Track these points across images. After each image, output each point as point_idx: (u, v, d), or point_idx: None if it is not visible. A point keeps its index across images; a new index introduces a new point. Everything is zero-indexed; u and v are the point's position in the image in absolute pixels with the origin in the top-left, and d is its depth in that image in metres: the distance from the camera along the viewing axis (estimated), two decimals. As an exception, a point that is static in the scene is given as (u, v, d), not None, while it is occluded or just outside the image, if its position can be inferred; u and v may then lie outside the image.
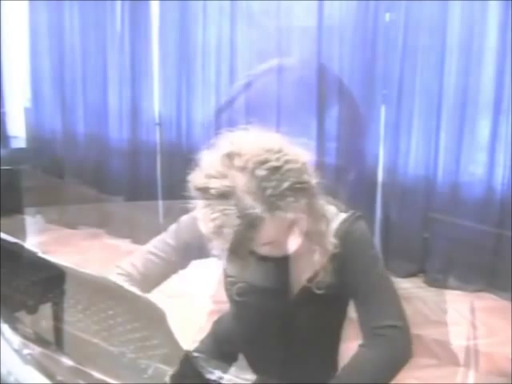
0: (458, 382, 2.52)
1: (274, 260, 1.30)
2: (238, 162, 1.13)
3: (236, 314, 1.44)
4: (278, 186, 1.11)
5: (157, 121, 4.23)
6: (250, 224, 1.11)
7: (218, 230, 1.13)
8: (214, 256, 1.29)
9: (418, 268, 3.64)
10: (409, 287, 3.51)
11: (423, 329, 2.97)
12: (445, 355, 2.74)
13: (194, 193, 1.18)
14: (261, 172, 1.11)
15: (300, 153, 1.18)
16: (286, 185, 1.11)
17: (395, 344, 1.21)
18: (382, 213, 3.69)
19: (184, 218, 1.35)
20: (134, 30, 4.16)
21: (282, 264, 1.29)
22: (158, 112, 4.21)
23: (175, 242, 1.34)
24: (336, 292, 1.26)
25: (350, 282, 1.25)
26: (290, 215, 1.13)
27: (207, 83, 3.99)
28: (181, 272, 1.40)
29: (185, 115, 4.10)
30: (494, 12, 3.20)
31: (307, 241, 1.25)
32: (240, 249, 1.16)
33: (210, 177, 1.14)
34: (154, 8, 4.09)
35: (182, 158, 4.12)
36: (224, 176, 1.13)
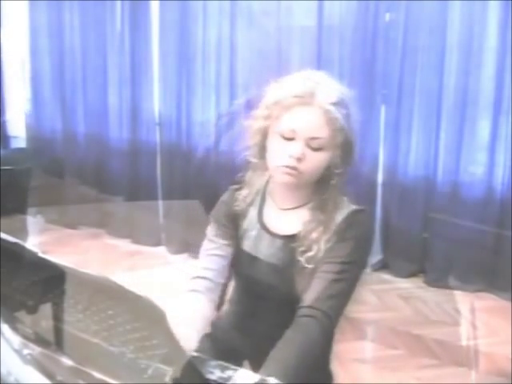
0: (457, 382, 2.52)
1: (285, 238, 1.36)
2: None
3: (237, 289, 1.49)
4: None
5: (157, 121, 4.23)
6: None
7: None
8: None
9: (418, 268, 3.64)
10: (409, 287, 3.51)
11: (423, 329, 2.98)
12: (445, 355, 2.74)
13: (264, 110, 1.32)
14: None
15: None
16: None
17: (308, 326, 1.24)
18: (382, 213, 3.69)
19: (213, 211, 1.47)
20: (134, 30, 4.16)
21: (290, 243, 1.34)
22: (158, 112, 4.21)
23: (215, 233, 1.43)
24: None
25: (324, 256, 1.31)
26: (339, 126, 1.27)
27: (207, 83, 3.99)
28: (181, 272, 1.42)
29: (185, 115, 4.10)
30: (494, 12, 3.21)
31: (319, 219, 1.32)
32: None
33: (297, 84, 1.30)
34: (154, 8, 4.09)
35: (182, 158, 4.13)
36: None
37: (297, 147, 1.27)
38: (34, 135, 4.72)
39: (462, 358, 2.70)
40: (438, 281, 3.51)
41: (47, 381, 0.92)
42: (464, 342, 2.83)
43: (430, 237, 3.58)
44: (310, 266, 1.31)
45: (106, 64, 4.30)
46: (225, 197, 1.47)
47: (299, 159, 1.27)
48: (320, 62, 3.58)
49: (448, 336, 2.87)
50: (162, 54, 4.10)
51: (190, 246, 3.77)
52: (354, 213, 1.34)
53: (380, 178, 3.65)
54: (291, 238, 1.36)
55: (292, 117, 1.27)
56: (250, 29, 3.79)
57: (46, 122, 4.65)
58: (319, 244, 1.31)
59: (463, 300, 3.31)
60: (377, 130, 3.59)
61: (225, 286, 1.42)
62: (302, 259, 1.32)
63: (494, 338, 2.85)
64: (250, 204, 1.43)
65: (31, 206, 4.02)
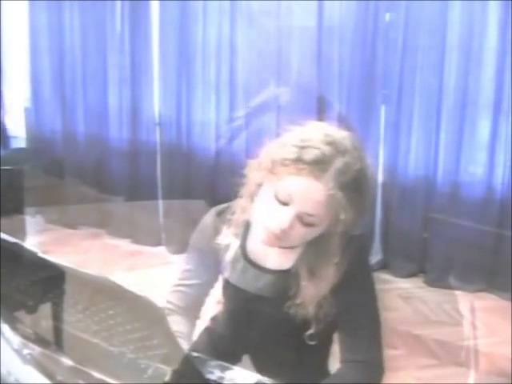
0: (457, 382, 2.52)
1: (277, 272, 1.32)
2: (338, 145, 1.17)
3: (232, 317, 1.45)
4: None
5: (157, 121, 4.23)
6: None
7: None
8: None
9: (418, 268, 3.64)
10: (409, 287, 3.51)
11: (423, 329, 2.98)
12: (445, 355, 2.74)
13: (265, 165, 1.20)
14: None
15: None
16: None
17: (361, 375, 1.24)
18: (382, 213, 3.69)
19: (193, 238, 1.41)
20: (134, 30, 4.15)
21: (283, 278, 1.30)
22: (158, 112, 4.21)
23: (191, 265, 1.40)
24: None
25: (340, 306, 1.26)
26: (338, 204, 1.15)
27: (207, 83, 3.99)
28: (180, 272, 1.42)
29: (185, 115, 4.09)
30: (494, 12, 3.20)
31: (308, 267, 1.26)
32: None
33: (305, 147, 1.16)
34: (154, 8, 4.08)
35: (181, 158, 4.13)
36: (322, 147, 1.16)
37: (287, 217, 1.16)
38: (34, 135, 4.72)
39: (462, 358, 2.70)
40: (438, 281, 3.51)
41: (47, 381, 0.92)
42: (464, 342, 2.83)
43: (429, 237, 3.57)
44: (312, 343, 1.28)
45: (105, 64, 4.30)
46: (205, 224, 1.39)
47: (286, 231, 1.17)
48: (320, 62, 3.58)
49: (448, 336, 2.87)
50: (161, 54, 4.10)
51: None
52: (352, 240, 1.25)
53: (380, 177, 3.64)
54: (283, 273, 1.30)
55: (294, 184, 1.15)
56: (250, 29, 3.78)
57: (46, 122, 4.64)
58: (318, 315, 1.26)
59: (463, 300, 3.30)
60: (377, 130, 3.59)
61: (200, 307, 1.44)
62: (299, 313, 1.26)
63: (494, 338, 2.85)
64: (234, 236, 1.36)
65: (31, 205, 4.02)
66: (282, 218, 1.16)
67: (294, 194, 1.15)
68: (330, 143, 1.16)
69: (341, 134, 1.20)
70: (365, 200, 1.21)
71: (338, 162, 1.14)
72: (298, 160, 1.14)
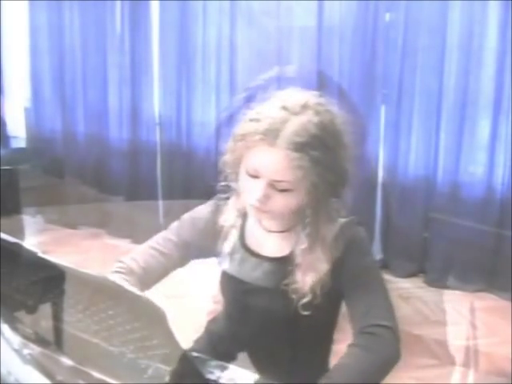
0: (457, 382, 2.52)
1: (274, 260, 1.31)
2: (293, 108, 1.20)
3: (230, 312, 1.45)
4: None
5: (157, 121, 4.23)
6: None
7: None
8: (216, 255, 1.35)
9: (418, 268, 3.64)
10: (409, 287, 3.51)
11: (423, 329, 2.98)
12: (445, 355, 2.73)
13: (233, 143, 1.24)
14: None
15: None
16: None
17: (383, 342, 1.19)
18: (382, 213, 3.69)
19: (186, 216, 1.40)
20: (134, 30, 4.16)
21: (281, 265, 1.30)
22: (158, 112, 4.21)
23: (177, 239, 1.36)
24: (330, 295, 1.27)
25: (344, 284, 1.26)
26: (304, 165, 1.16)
27: (207, 83, 3.99)
28: (180, 272, 1.41)
29: (185, 115, 4.10)
30: (494, 12, 3.20)
31: (311, 245, 1.26)
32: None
33: (259, 119, 1.20)
34: (154, 8, 4.09)
35: (182, 158, 4.13)
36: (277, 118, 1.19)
37: (259, 188, 1.19)
38: (34, 135, 4.72)
39: (462, 358, 2.70)
40: (437, 281, 3.51)
41: (47, 381, 0.92)
42: (464, 342, 2.83)
43: (429, 237, 3.57)
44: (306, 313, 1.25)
45: (106, 64, 4.30)
46: (204, 212, 1.39)
47: (262, 201, 1.20)
48: (320, 62, 3.58)
49: (448, 336, 2.87)
50: (161, 54, 4.10)
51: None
52: (342, 229, 1.27)
53: (380, 177, 3.64)
54: (280, 261, 1.31)
55: (255, 156, 1.20)
56: (250, 29, 3.79)
57: (46, 122, 4.64)
58: (314, 288, 1.25)
59: (463, 300, 3.30)
60: (377, 130, 3.59)
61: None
62: (298, 306, 1.25)
63: (494, 338, 2.85)
64: (231, 226, 1.36)
65: (31, 206, 4.02)
66: (256, 190, 1.20)
67: (258, 165, 1.19)
68: (284, 108, 1.19)
69: (299, 95, 1.23)
70: (336, 157, 1.21)
71: (291, 125, 1.17)
72: (254, 133, 1.18)
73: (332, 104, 1.25)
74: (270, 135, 1.17)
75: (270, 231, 1.33)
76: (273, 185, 1.19)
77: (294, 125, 1.17)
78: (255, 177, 1.21)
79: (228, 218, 1.36)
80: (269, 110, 1.21)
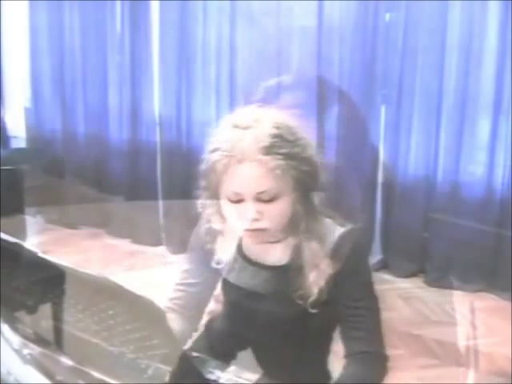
0: (457, 382, 2.51)
1: (273, 268, 1.31)
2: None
3: (232, 314, 1.45)
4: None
5: (157, 121, 4.23)
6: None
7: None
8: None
9: (418, 268, 3.64)
10: (409, 287, 3.51)
11: (423, 329, 2.98)
12: (445, 355, 2.73)
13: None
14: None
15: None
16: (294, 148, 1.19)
17: (367, 367, 1.23)
18: (382, 213, 3.69)
19: (192, 238, 1.41)
20: (134, 30, 4.16)
21: (279, 274, 1.30)
22: (158, 112, 4.21)
23: (191, 265, 1.41)
24: (327, 307, 1.27)
25: (339, 300, 1.26)
26: (276, 164, 1.16)
27: (207, 83, 3.99)
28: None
29: (185, 115, 4.09)
30: (494, 12, 3.20)
31: (310, 245, 1.26)
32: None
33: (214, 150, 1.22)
34: (154, 8, 4.09)
35: (181, 158, 4.12)
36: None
37: (248, 209, 1.18)
38: (34, 135, 4.72)
39: (462, 358, 2.70)
40: (438, 281, 3.51)
41: (47, 381, 0.92)
42: (464, 342, 2.83)
43: (429, 237, 3.57)
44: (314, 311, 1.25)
45: (106, 64, 4.30)
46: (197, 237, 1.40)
47: (256, 219, 1.19)
48: (320, 62, 3.58)
49: (448, 336, 2.87)
50: (161, 54, 4.10)
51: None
52: (340, 239, 1.26)
53: (380, 178, 3.64)
54: (280, 269, 1.30)
55: (230, 180, 1.19)
56: (250, 29, 3.78)
57: (46, 122, 4.64)
58: (319, 284, 1.25)
59: (463, 300, 3.30)
60: (377, 130, 3.59)
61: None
62: (302, 303, 1.25)
63: (494, 338, 2.85)
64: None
65: (31, 205, 4.02)
66: (245, 212, 1.19)
67: (236, 186, 1.19)
68: (235, 126, 1.21)
69: (248, 111, 1.24)
70: (303, 148, 1.21)
71: (248, 137, 1.18)
72: (220, 160, 1.19)
73: (286, 115, 1.26)
74: (235, 152, 1.17)
75: (267, 242, 1.31)
76: (259, 198, 1.19)
77: (252, 135, 1.18)
78: (239, 201, 1.20)
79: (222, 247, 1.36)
80: (223, 133, 1.22)
